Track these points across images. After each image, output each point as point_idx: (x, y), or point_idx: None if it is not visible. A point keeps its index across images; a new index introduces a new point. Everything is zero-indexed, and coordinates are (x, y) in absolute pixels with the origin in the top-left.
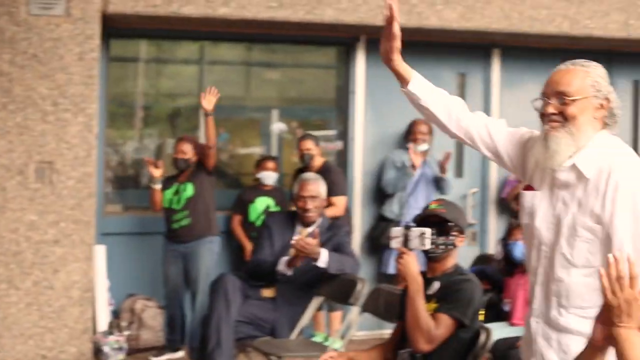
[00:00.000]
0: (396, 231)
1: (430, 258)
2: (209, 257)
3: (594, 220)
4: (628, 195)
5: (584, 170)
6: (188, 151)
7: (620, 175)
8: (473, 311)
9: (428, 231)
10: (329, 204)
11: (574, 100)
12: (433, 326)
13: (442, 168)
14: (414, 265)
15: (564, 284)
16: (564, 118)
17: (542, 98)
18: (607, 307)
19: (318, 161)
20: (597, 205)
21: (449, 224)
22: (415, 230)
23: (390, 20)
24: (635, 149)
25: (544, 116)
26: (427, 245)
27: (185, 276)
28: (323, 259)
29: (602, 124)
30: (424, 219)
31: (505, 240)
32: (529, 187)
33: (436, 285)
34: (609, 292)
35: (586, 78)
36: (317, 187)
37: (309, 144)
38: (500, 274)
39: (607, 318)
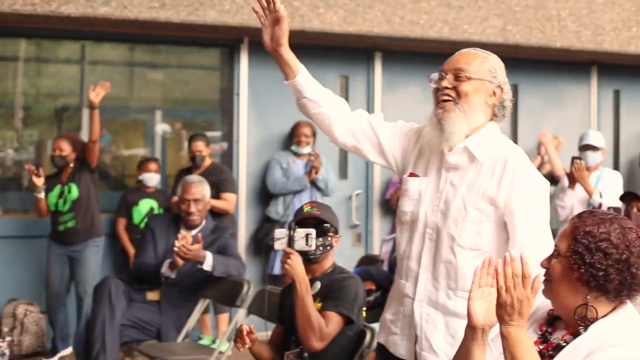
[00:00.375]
0: (280, 232)
1: (310, 260)
2: (95, 259)
3: (486, 201)
4: (524, 184)
5: (477, 154)
6: (65, 148)
7: (517, 164)
8: (358, 308)
9: (313, 232)
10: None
11: (469, 78)
12: (324, 324)
13: (315, 169)
14: (300, 265)
15: (452, 266)
16: (457, 94)
17: (439, 73)
18: (499, 305)
19: (206, 162)
20: (492, 188)
21: (325, 225)
22: (300, 231)
23: (274, 5)
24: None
25: (437, 91)
26: (313, 246)
27: (70, 279)
28: (208, 262)
29: (492, 113)
30: (299, 222)
31: None
32: (413, 174)
33: (317, 285)
34: (502, 290)
35: (485, 62)
36: (201, 189)
37: (200, 146)
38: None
39: (499, 315)
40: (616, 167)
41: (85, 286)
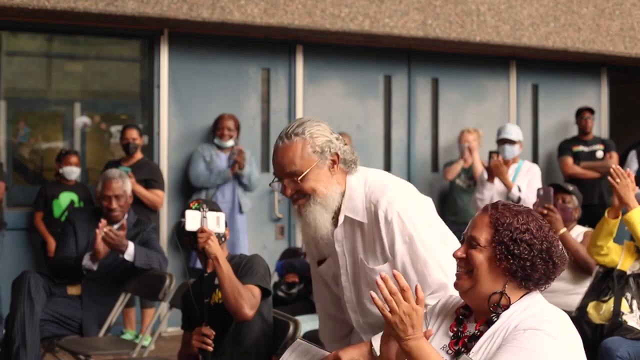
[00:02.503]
0: (192, 214)
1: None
2: None
3: (381, 260)
4: (395, 223)
5: (357, 217)
6: None
7: (384, 210)
8: (269, 280)
9: (223, 215)
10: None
11: (305, 176)
12: (251, 293)
13: (238, 164)
14: (218, 244)
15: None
16: (304, 193)
17: (278, 181)
18: (390, 325)
19: (138, 154)
20: (379, 247)
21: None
22: (211, 214)
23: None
24: (435, 146)
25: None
26: (223, 229)
27: None
28: (129, 251)
29: (344, 173)
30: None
31: None
32: (320, 262)
33: None
34: (386, 311)
35: (305, 148)
36: (121, 185)
37: (134, 133)
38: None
39: (394, 335)
40: (535, 159)
41: None
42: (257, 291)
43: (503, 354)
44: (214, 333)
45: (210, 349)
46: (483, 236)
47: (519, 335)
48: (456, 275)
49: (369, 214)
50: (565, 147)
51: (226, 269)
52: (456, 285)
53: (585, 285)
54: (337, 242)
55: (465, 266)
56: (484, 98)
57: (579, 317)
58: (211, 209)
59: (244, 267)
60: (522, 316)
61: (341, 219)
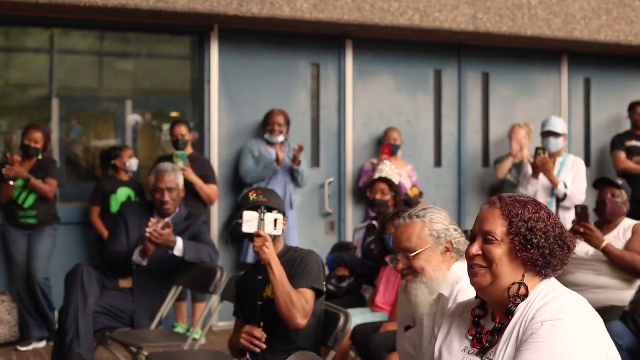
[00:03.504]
0: (249, 215)
1: None
2: (50, 243)
3: None
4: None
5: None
6: (40, 140)
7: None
8: (323, 279)
9: (281, 217)
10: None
11: (417, 254)
12: (304, 301)
13: (295, 159)
14: (273, 249)
15: None
16: (414, 271)
17: (392, 255)
18: None
19: (189, 150)
20: None
21: (274, 211)
22: (269, 216)
23: None
24: (486, 141)
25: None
26: (280, 231)
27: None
28: (178, 247)
29: (454, 261)
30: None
31: (381, 234)
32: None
33: None
34: None
35: (424, 229)
36: (174, 178)
37: (183, 130)
38: (376, 263)
39: None
40: (587, 154)
41: (39, 266)
42: (310, 295)
43: (525, 352)
44: (265, 337)
45: (258, 350)
46: (498, 229)
47: (537, 328)
48: (472, 272)
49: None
50: (617, 142)
51: (279, 275)
52: (474, 283)
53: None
54: (427, 316)
55: (483, 262)
56: (535, 93)
57: (632, 312)
58: (269, 205)
59: (299, 265)
60: (539, 305)
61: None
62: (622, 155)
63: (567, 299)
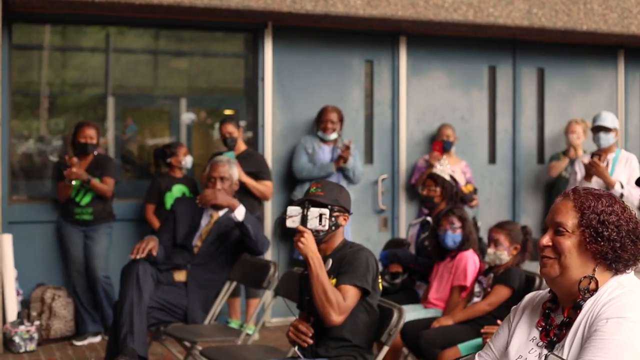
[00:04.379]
0: (293, 210)
1: (320, 239)
2: (108, 239)
3: None
4: None
5: None
6: (94, 136)
7: None
8: (372, 277)
9: (326, 212)
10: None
11: None
12: (341, 298)
13: (341, 158)
14: (313, 244)
15: None
16: None
17: None
18: None
19: (241, 146)
20: None
21: (329, 206)
22: (314, 211)
23: None
24: (541, 137)
25: None
26: (326, 226)
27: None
28: (240, 210)
29: None
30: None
31: (435, 231)
32: None
33: (329, 262)
34: None
35: None
36: (228, 169)
37: (230, 128)
38: (430, 259)
39: None
40: None
41: (99, 265)
42: (352, 292)
43: (589, 349)
44: (312, 331)
45: (305, 345)
46: (570, 221)
47: (601, 325)
48: (542, 263)
49: None
50: None
51: (316, 271)
52: (544, 273)
53: None
54: None
55: (552, 253)
56: (591, 88)
57: None
58: (324, 200)
59: (347, 262)
60: (605, 300)
61: None
62: None
63: (634, 296)
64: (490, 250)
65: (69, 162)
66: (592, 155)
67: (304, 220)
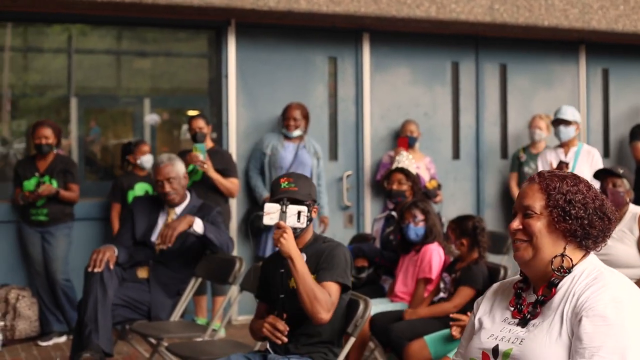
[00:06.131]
0: (271, 207)
1: (297, 235)
2: (66, 240)
3: None
4: None
5: None
6: (50, 136)
7: None
8: (350, 273)
9: (305, 209)
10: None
11: None
12: (328, 295)
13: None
14: (294, 241)
15: None
16: None
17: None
18: None
19: (209, 142)
20: None
21: (306, 202)
22: (292, 208)
23: None
24: (504, 133)
25: None
26: (304, 224)
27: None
28: (198, 224)
29: None
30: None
31: (399, 224)
32: None
33: (303, 257)
34: None
35: None
36: (172, 168)
37: (201, 123)
38: (395, 253)
39: None
40: (606, 145)
41: (57, 268)
42: (335, 289)
43: (597, 335)
44: (287, 329)
45: (279, 342)
46: (537, 203)
47: (601, 310)
48: (515, 247)
49: None
50: (637, 132)
51: (301, 270)
52: (517, 257)
53: None
54: None
55: (524, 236)
56: (553, 83)
57: None
58: (297, 196)
59: (326, 258)
60: (585, 281)
61: None
62: None
63: (613, 276)
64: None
65: (34, 195)
66: (560, 163)
67: (282, 217)
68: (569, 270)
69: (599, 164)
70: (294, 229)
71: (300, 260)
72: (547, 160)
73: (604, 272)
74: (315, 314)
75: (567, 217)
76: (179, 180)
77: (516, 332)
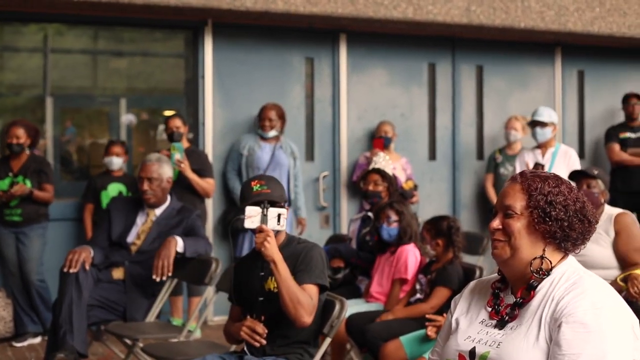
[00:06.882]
0: (252, 210)
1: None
2: (41, 241)
3: None
4: None
5: None
6: (22, 136)
7: None
8: (326, 273)
9: (285, 212)
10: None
11: None
12: (309, 298)
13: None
14: (276, 245)
15: None
16: None
17: None
18: None
19: (185, 142)
20: None
21: (282, 204)
22: (273, 211)
23: None
24: (480, 134)
25: None
26: (284, 226)
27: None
28: (180, 244)
29: None
30: (251, 202)
31: (376, 225)
32: None
33: None
34: None
35: None
36: (157, 168)
37: (177, 122)
38: (371, 254)
39: None
40: (581, 146)
41: (32, 269)
42: (314, 291)
43: (574, 341)
44: (266, 332)
45: (257, 345)
46: (518, 203)
47: (581, 317)
48: (494, 245)
49: None
50: (612, 134)
51: (285, 275)
52: (495, 255)
53: None
54: None
55: (503, 236)
56: (529, 85)
57: None
58: (272, 198)
59: (303, 260)
60: (565, 285)
61: None
62: (616, 146)
63: (592, 279)
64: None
65: (6, 194)
66: (536, 164)
67: (264, 220)
68: (547, 272)
69: (575, 164)
70: (275, 232)
71: (283, 264)
72: (524, 161)
73: (583, 277)
74: (298, 317)
75: (547, 219)
76: (159, 182)
77: (493, 334)
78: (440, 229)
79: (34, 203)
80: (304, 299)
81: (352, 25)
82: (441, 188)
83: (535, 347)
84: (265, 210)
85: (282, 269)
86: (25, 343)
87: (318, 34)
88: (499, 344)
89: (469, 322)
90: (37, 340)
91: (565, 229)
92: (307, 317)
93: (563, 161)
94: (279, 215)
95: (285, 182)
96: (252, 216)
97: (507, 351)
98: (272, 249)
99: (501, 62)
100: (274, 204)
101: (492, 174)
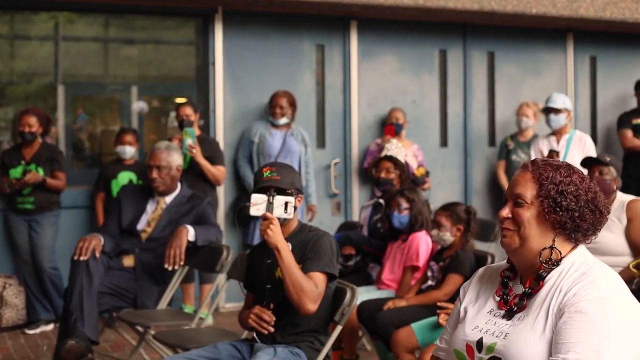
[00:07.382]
0: (257, 198)
1: (281, 225)
2: (53, 228)
3: None
4: None
5: None
6: (34, 124)
7: None
8: (336, 261)
9: (292, 200)
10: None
11: None
12: (314, 286)
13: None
14: (281, 233)
15: None
16: None
17: None
18: None
19: (196, 130)
20: None
21: (291, 191)
22: (279, 199)
23: None
24: (492, 120)
25: None
26: (291, 214)
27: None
28: (191, 233)
29: None
30: (261, 189)
31: (387, 212)
32: None
33: (289, 246)
34: None
35: None
36: (166, 156)
37: (188, 110)
38: (382, 241)
39: None
40: (594, 132)
41: (44, 256)
42: (321, 279)
43: (575, 331)
44: (274, 320)
45: (266, 332)
46: (528, 192)
47: (584, 306)
48: (503, 234)
49: None
50: (624, 120)
51: (288, 262)
52: (504, 244)
53: None
54: None
55: (512, 225)
56: (540, 71)
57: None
58: (281, 185)
59: (312, 248)
60: (573, 276)
61: None
62: (629, 133)
63: (601, 270)
64: (434, 232)
65: (20, 182)
66: (550, 152)
67: (269, 208)
68: (557, 263)
69: (591, 150)
70: (282, 220)
71: (287, 252)
72: (539, 149)
73: (592, 267)
74: (302, 305)
75: (558, 209)
76: (169, 170)
77: (501, 325)
78: (460, 215)
79: (46, 191)
80: (307, 287)
81: (363, 12)
82: (453, 175)
83: (542, 339)
84: (271, 197)
85: (286, 256)
86: (38, 330)
87: (328, 20)
88: (506, 335)
89: (477, 311)
90: (50, 327)
91: (576, 220)
92: (310, 305)
93: (578, 147)
94: (286, 203)
95: (297, 169)
96: (257, 204)
97: (514, 342)
98: (275, 236)
99: (513, 48)
100: (282, 191)
101: (504, 160)
